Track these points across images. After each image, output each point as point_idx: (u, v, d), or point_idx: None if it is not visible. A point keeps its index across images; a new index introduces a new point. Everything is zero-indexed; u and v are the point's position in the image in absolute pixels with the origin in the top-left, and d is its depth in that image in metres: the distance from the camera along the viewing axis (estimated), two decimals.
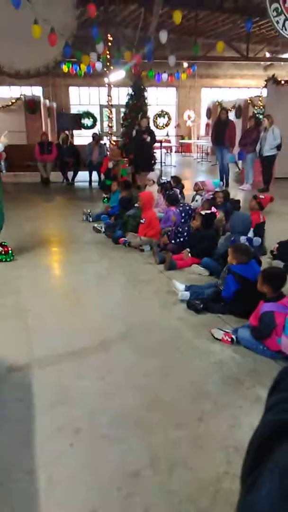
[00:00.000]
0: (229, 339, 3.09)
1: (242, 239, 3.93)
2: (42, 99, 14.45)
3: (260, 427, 0.45)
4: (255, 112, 12.29)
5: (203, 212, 4.99)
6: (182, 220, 5.20)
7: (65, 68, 12.76)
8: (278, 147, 8.63)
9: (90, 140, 10.75)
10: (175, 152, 18.30)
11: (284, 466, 0.39)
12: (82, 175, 10.69)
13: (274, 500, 0.38)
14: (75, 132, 15.91)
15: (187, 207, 5.27)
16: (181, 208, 5.36)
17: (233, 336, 3.09)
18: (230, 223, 4.34)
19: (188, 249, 4.82)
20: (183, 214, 5.21)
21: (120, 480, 1.92)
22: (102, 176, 9.41)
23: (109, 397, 2.52)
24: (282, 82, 10.42)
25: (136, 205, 5.74)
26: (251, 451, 0.44)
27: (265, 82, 10.48)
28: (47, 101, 15.52)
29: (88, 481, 1.93)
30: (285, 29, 9.49)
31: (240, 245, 3.71)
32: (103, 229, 6.12)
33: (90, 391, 2.58)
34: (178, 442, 2.16)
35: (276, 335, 2.84)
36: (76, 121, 16.50)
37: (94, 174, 10.34)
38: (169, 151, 16.04)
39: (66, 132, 11.84)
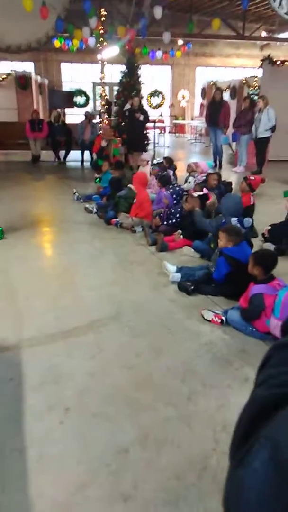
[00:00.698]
0: (219, 321, 3.12)
1: (233, 220, 3.91)
2: (33, 75, 14.11)
3: (250, 403, 0.45)
4: (250, 93, 12.15)
5: (195, 194, 4.96)
6: (174, 202, 5.17)
7: (57, 43, 12.41)
8: (273, 129, 8.55)
9: (82, 118, 10.56)
10: (169, 132, 18.09)
11: (276, 440, 0.39)
12: (74, 154, 10.54)
13: (266, 474, 0.38)
14: (67, 110, 15.64)
15: (178, 189, 5.23)
16: (171, 190, 5.32)
17: (223, 318, 3.12)
18: (221, 205, 4.32)
19: (180, 231, 4.81)
20: (174, 196, 5.17)
21: (109, 456, 1.95)
22: (94, 156, 9.28)
23: (99, 377, 2.54)
24: (278, 62, 10.27)
25: (129, 186, 5.68)
26: (241, 426, 0.44)
27: (261, 62, 10.31)
28: (39, 77, 15.17)
29: (78, 457, 1.96)
30: (282, 8, 9.31)
31: (231, 227, 3.70)
32: (94, 210, 6.07)
33: (80, 370, 2.60)
34: (167, 420, 2.19)
35: (266, 317, 2.87)
36: (69, 99, 16.20)
37: (87, 154, 10.20)
38: (162, 132, 15.84)
39: (58, 110, 11.61)
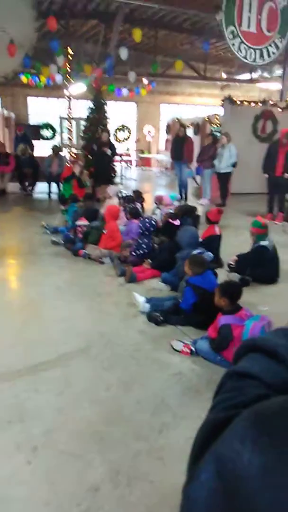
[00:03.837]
0: (188, 351, 3.14)
1: (195, 253, 4.00)
2: (0, 109, 14.20)
3: (202, 426, 0.49)
4: (212, 129, 12.69)
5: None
6: (140, 232, 5.26)
7: (24, 79, 12.64)
8: (234, 165, 8.94)
9: (49, 151, 10.67)
10: (135, 166, 18.50)
11: (220, 452, 0.42)
12: (41, 187, 10.57)
13: (211, 485, 0.41)
14: (34, 143, 15.71)
15: (147, 221, 5.33)
16: (141, 220, 5.41)
17: (192, 348, 3.14)
18: (179, 238, 4.45)
19: (149, 260, 4.88)
20: (141, 225, 5.26)
21: (79, 496, 1.89)
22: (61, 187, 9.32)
23: (68, 413, 2.48)
24: (238, 102, 10.84)
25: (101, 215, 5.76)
26: (194, 448, 0.47)
27: (222, 102, 10.86)
28: (5, 111, 15.27)
29: (46, 498, 1.88)
30: (240, 52, 9.95)
31: (196, 257, 3.79)
32: (61, 241, 6.06)
33: (48, 406, 2.53)
34: (138, 455, 2.15)
35: (234, 347, 2.91)
36: (35, 132, 16.34)
37: (54, 186, 10.24)
38: (129, 165, 16.17)
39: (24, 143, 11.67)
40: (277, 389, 0.49)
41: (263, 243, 4.75)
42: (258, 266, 4.70)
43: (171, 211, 6.03)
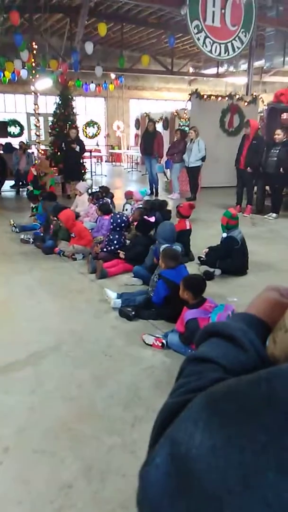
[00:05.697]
0: (160, 344, 3.17)
1: (163, 247, 4.02)
2: None
3: (161, 410, 0.50)
4: (181, 124, 12.76)
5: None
6: (111, 228, 5.25)
7: None
8: (203, 159, 9.02)
9: (16, 148, 10.48)
10: (106, 161, 18.39)
11: (173, 436, 0.43)
12: (10, 184, 10.37)
13: (165, 468, 0.41)
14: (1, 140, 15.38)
15: (118, 216, 5.31)
16: (112, 216, 5.40)
17: (164, 341, 3.17)
18: (156, 233, 4.47)
19: (123, 252, 4.90)
20: (112, 221, 5.25)
21: (52, 493, 1.88)
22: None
23: (40, 412, 2.46)
24: (205, 96, 10.93)
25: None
26: (153, 432, 0.48)
27: (189, 96, 10.93)
28: None
29: (19, 498, 1.86)
30: (206, 46, 10.02)
31: (169, 251, 3.81)
32: (31, 240, 5.98)
33: (19, 406, 2.50)
34: (111, 450, 2.16)
35: None
36: (2, 129, 15.98)
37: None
38: (99, 161, 16.08)
39: None
40: (235, 373, 0.50)
41: (232, 234, 4.82)
42: (227, 256, 4.77)
43: (141, 206, 6.05)
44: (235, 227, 4.88)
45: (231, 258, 4.78)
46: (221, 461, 0.38)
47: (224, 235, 4.88)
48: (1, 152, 10.73)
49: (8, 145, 11.84)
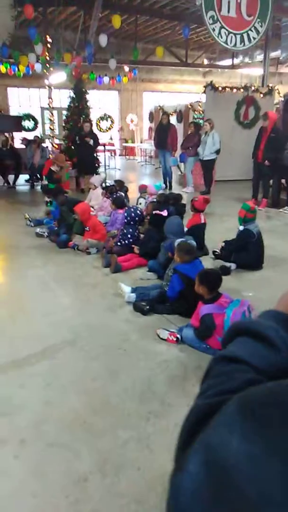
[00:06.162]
0: (174, 339, 3.15)
1: (178, 241, 3.99)
2: None
3: (190, 412, 0.48)
4: (195, 117, 12.64)
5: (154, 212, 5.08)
6: (125, 222, 5.23)
7: (2, 68, 12.36)
8: (217, 152, 8.92)
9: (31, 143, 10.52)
10: (119, 155, 18.35)
11: (207, 442, 0.41)
12: (25, 178, 10.43)
13: (199, 476, 0.40)
14: (15, 134, 15.46)
15: (132, 210, 5.30)
16: (126, 210, 5.38)
17: (178, 336, 3.15)
18: (165, 228, 4.45)
19: (137, 247, 4.89)
20: (126, 215, 5.24)
21: (67, 487, 1.89)
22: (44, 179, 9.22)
23: (55, 405, 2.48)
24: (220, 88, 10.78)
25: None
26: (182, 435, 0.46)
27: (204, 88, 10.79)
28: None
29: (35, 491, 1.88)
30: (221, 37, 9.86)
31: (184, 245, 3.77)
32: (46, 234, 6.00)
33: (35, 399, 2.52)
34: (126, 443, 2.16)
35: (217, 335, 2.93)
36: (17, 123, 16.05)
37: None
38: (113, 154, 16.04)
39: (6, 134, 11.48)
40: (267, 373, 0.48)
41: (248, 226, 4.77)
42: (242, 249, 4.72)
43: (155, 200, 6.01)
44: (252, 220, 4.82)
45: (246, 251, 4.73)
46: (261, 470, 0.36)
47: (241, 228, 4.82)
48: (24, 146, 10.75)
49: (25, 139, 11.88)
